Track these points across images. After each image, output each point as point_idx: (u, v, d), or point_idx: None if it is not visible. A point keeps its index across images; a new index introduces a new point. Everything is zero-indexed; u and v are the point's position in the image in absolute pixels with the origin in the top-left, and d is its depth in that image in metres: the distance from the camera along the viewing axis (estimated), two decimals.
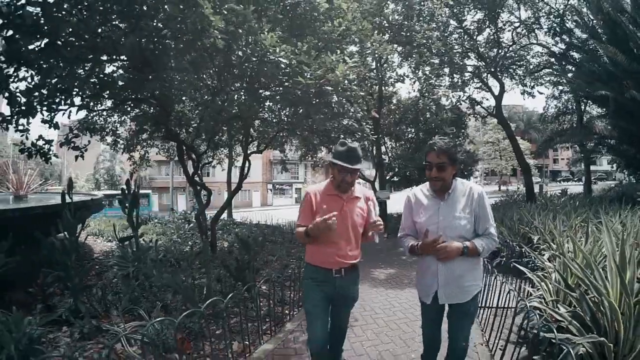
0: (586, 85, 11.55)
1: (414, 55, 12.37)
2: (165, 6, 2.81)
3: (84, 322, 3.29)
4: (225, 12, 2.86)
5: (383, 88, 12.84)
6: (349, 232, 2.33)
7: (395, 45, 11.94)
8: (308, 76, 3.68)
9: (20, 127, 4.76)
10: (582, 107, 15.65)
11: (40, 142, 4.74)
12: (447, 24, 13.74)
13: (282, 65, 3.44)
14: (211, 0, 2.70)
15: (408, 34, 11.61)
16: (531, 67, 15.09)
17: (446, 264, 2.08)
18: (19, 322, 2.75)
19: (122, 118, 8.65)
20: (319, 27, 4.45)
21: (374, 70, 11.13)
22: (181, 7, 2.72)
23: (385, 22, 11.47)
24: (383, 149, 13.99)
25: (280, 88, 4.09)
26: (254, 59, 3.47)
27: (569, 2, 13.58)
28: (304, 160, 13.67)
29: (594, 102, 13.68)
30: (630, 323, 2.12)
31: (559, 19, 13.69)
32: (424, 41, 11.53)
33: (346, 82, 3.95)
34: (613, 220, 5.13)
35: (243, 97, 4.50)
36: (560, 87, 16.60)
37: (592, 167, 45.79)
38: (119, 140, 8.90)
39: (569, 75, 13.90)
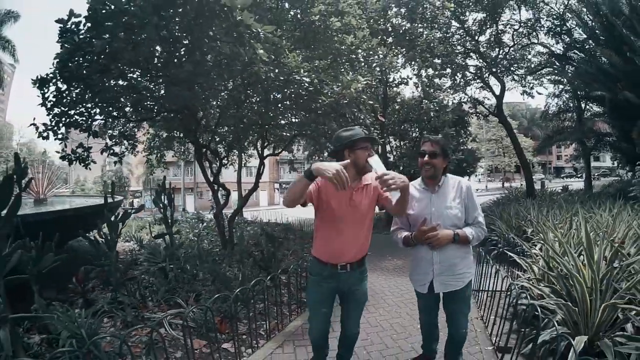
0: (584, 85, 11.88)
1: (417, 60, 12.78)
2: (218, 42, 3.34)
3: (126, 313, 3.72)
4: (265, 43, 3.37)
5: (387, 89, 13.25)
6: (357, 224, 2.19)
7: (399, 48, 12.35)
8: (328, 94, 4.20)
9: (60, 136, 5.32)
10: (583, 105, 15.93)
11: (79, 150, 5.28)
12: (449, 25, 13.97)
13: (306, 85, 3.97)
14: (260, 41, 3.23)
15: (412, 37, 11.96)
16: (532, 66, 15.39)
17: (441, 253, 2.22)
18: (73, 315, 3.19)
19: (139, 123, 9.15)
20: (331, 42, 4.96)
21: (379, 73, 11.53)
22: (236, 48, 3.26)
23: (389, 25, 11.82)
24: (388, 147, 14.34)
25: (301, 100, 4.62)
26: (282, 78, 3.99)
27: (569, 3, 13.77)
28: (311, 160, 14.09)
29: (592, 101, 13.97)
30: (597, 295, 2.59)
31: (558, 20, 13.97)
32: (426, 45, 11.91)
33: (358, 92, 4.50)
34: (603, 215, 5.55)
35: (263, 107, 5.01)
36: (561, 86, 16.89)
37: (596, 164, 45.72)
38: (136, 144, 9.41)
39: (569, 74, 14.18)
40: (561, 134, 14.55)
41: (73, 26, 3.69)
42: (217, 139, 7.22)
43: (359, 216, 2.18)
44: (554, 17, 14.12)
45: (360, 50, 5.27)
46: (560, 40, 14.71)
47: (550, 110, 18.85)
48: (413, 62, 13.07)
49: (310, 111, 4.79)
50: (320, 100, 4.27)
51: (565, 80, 14.64)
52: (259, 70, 3.38)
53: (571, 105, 17.15)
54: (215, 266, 4.05)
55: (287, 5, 5.58)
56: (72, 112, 4.81)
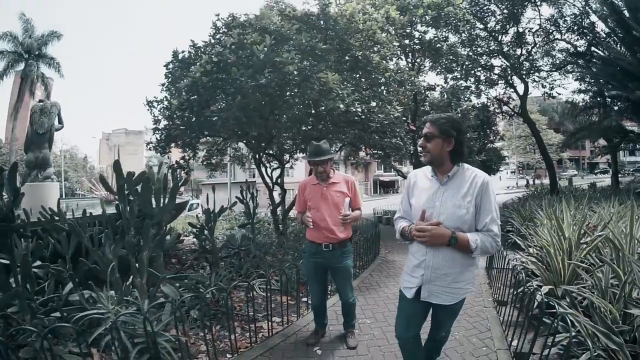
0: (603, 84, 12.24)
1: (443, 65, 13.72)
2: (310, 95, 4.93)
3: (222, 282, 5.09)
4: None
5: (417, 95, 14.15)
6: (332, 211, 2.86)
7: (426, 55, 13.29)
8: (375, 120, 5.67)
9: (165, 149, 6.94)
10: (608, 101, 16.05)
11: (181, 161, 6.91)
12: (473, 26, 14.31)
13: (359, 114, 5.42)
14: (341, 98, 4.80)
15: (437, 45, 12.90)
16: (557, 62, 15.76)
17: (434, 257, 1.88)
18: (211, 276, 4.54)
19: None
20: (371, 73, 6.36)
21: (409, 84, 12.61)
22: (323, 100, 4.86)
23: (415, 33, 12.75)
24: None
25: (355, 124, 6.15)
26: (342, 109, 5.44)
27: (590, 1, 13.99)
28: (348, 160, 15.23)
29: (612, 98, 14.17)
30: (564, 260, 3.75)
31: (579, 18, 14.24)
32: (451, 53, 12.83)
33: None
34: (605, 208, 6.45)
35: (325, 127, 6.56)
36: (586, 82, 16.96)
37: (632, 158, 43.43)
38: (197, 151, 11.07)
39: (593, 71, 14.24)
40: (583, 131, 14.86)
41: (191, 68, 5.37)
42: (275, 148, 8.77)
43: (331, 205, 2.90)
44: (575, 14, 14.39)
45: (395, 77, 6.63)
46: (582, 37, 14.90)
47: (579, 105, 18.84)
48: (439, 69, 13.99)
49: (363, 130, 6.29)
50: (370, 124, 5.70)
51: (589, 76, 14.73)
52: (334, 110, 4.96)
53: (597, 100, 17.20)
54: (296, 244, 5.54)
55: (331, 36, 6.99)
56: (176, 132, 6.41)
